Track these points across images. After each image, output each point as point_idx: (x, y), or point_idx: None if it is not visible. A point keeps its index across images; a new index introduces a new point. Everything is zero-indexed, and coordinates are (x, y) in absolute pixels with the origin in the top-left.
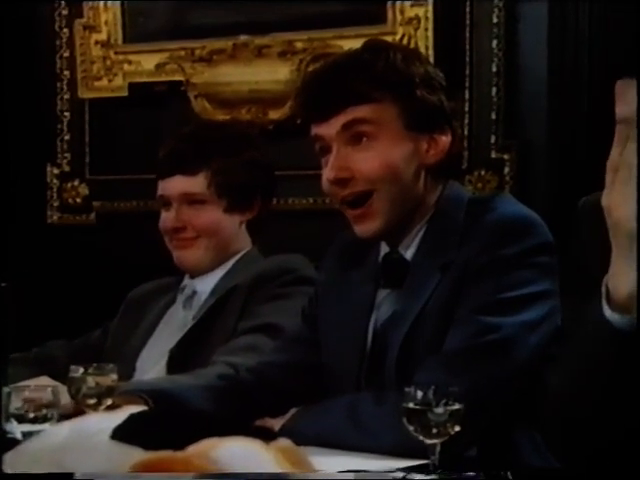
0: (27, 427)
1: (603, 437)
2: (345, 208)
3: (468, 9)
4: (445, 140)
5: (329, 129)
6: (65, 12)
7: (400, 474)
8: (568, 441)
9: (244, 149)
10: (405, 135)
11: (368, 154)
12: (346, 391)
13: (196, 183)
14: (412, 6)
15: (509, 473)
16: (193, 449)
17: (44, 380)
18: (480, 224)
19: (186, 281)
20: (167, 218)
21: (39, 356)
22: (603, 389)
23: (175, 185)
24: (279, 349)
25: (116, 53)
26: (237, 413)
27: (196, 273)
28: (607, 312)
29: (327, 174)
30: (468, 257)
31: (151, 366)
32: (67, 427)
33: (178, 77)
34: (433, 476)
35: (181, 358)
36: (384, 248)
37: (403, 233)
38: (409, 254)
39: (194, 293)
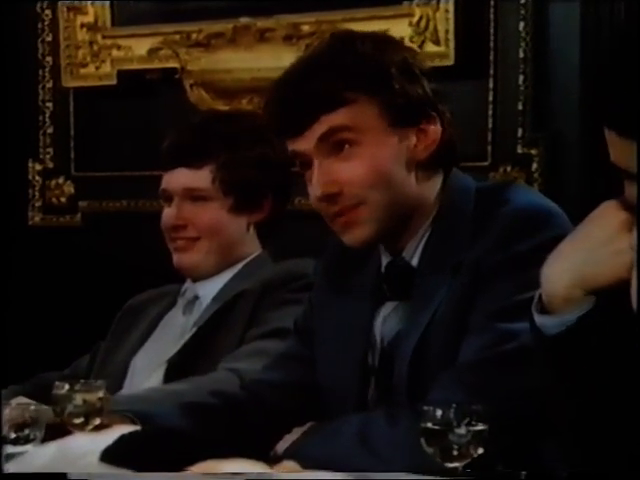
0: (8, 449)
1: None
2: (333, 220)
3: None
4: (434, 129)
5: (306, 143)
6: None
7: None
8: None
9: (255, 144)
10: (389, 133)
11: (353, 163)
12: (347, 411)
13: (200, 177)
14: None
15: (523, 473)
16: (192, 472)
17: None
18: (492, 218)
19: (187, 284)
20: (168, 215)
21: (35, 388)
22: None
23: (177, 179)
24: (271, 366)
25: (104, 37)
26: (232, 434)
27: (197, 277)
28: (537, 317)
29: (314, 191)
30: (480, 256)
31: (145, 376)
32: (52, 449)
33: (172, 64)
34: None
35: (181, 369)
36: (386, 256)
37: (405, 237)
38: (415, 260)
39: (196, 298)
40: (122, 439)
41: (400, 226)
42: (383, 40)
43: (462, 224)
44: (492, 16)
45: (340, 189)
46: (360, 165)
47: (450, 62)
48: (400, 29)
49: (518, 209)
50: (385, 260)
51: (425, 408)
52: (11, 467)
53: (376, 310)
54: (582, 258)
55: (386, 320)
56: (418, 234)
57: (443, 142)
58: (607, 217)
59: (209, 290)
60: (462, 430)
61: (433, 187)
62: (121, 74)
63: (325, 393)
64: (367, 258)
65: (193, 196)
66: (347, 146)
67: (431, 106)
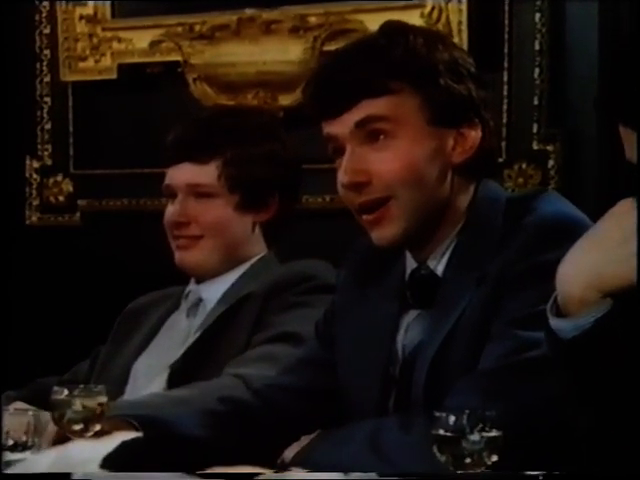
0: (6, 455)
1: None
2: (360, 215)
3: None
4: (474, 135)
5: (342, 127)
6: None
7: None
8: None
9: (264, 140)
10: (428, 131)
11: (386, 154)
12: (366, 418)
13: (205, 173)
14: None
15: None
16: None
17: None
18: (518, 228)
19: (191, 286)
20: (171, 211)
21: (32, 394)
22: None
23: (182, 174)
24: (287, 370)
25: (104, 29)
26: (239, 439)
27: (200, 277)
28: (552, 321)
29: (341, 178)
30: (504, 265)
31: (148, 381)
32: (51, 456)
33: (175, 57)
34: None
35: (184, 374)
36: (410, 263)
37: (431, 244)
38: (440, 269)
39: (200, 300)
40: (123, 446)
41: (428, 231)
42: (436, 37)
43: (489, 236)
44: (507, 7)
45: (369, 179)
46: (393, 158)
47: None
48: (411, 21)
49: (543, 218)
50: (410, 267)
51: (437, 414)
52: (9, 475)
53: (399, 318)
54: (598, 259)
55: (409, 328)
56: (444, 243)
57: (481, 150)
58: (624, 216)
59: (213, 292)
60: (475, 437)
61: (466, 195)
62: (121, 68)
63: (345, 400)
64: (392, 264)
65: (198, 192)
66: (382, 137)
67: (475, 111)
